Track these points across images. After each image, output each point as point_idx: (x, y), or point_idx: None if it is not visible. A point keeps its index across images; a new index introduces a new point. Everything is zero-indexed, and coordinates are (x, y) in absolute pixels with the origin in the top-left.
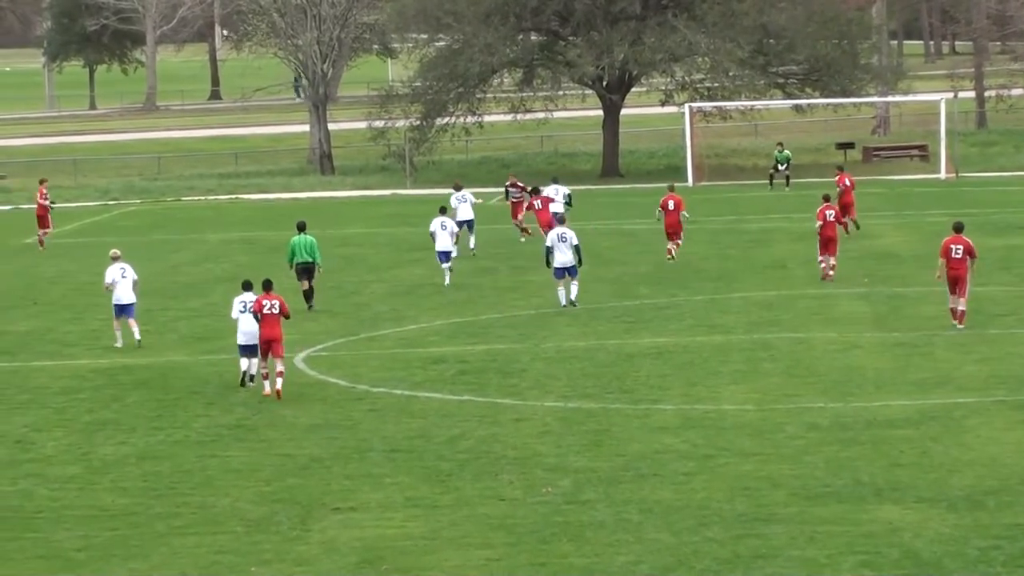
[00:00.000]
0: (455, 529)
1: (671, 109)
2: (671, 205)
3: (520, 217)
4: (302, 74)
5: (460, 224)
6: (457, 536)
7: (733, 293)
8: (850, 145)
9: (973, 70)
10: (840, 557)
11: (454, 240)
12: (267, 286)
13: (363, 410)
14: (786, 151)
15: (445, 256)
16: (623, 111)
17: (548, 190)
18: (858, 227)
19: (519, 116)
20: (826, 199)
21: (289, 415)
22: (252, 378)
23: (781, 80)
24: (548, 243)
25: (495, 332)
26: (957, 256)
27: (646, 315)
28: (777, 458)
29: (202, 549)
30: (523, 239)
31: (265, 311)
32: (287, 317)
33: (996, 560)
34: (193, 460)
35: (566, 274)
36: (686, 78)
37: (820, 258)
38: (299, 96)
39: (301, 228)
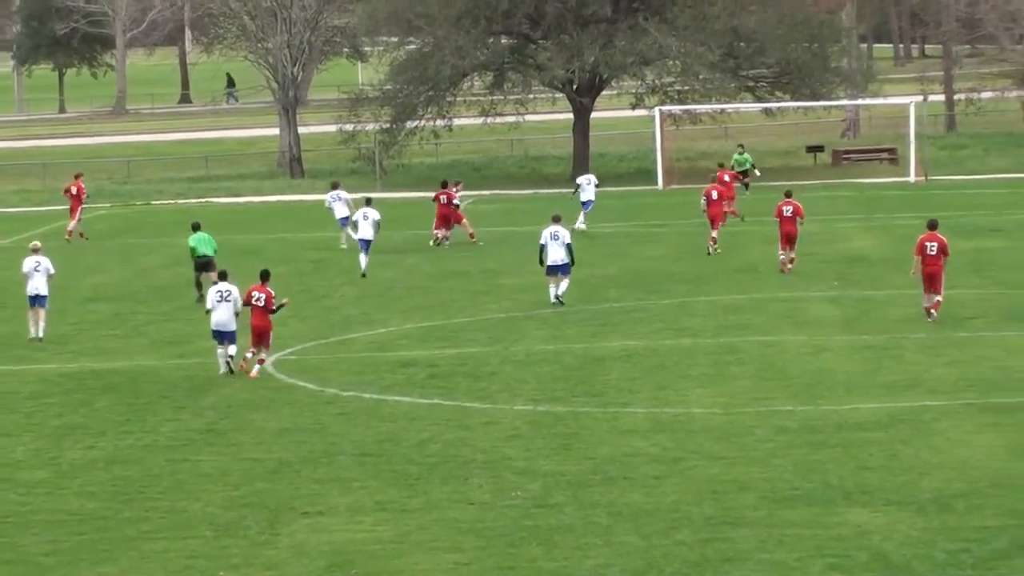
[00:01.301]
0: (424, 533)
1: (641, 112)
2: (715, 195)
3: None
4: (272, 78)
5: (340, 222)
6: (426, 540)
7: (702, 296)
8: (819, 148)
9: (942, 73)
10: (809, 560)
11: (376, 230)
12: (263, 277)
13: (332, 414)
14: (746, 153)
15: (365, 244)
16: (593, 114)
17: (581, 179)
18: (737, 216)
19: (489, 119)
20: (787, 195)
21: (258, 419)
22: (232, 358)
23: (751, 83)
24: (542, 240)
25: (465, 336)
26: (932, 253)
27: (615, 318)
28: (746, 461)
29: (171, 554)
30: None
31: (253, 302)
32: (271, 312)
33: (965, 563)
34: (162, 464)
35: (558, 272)
36: (657, 81)
37: (780, 252)
38: (228, 102)
39: (196, 228)
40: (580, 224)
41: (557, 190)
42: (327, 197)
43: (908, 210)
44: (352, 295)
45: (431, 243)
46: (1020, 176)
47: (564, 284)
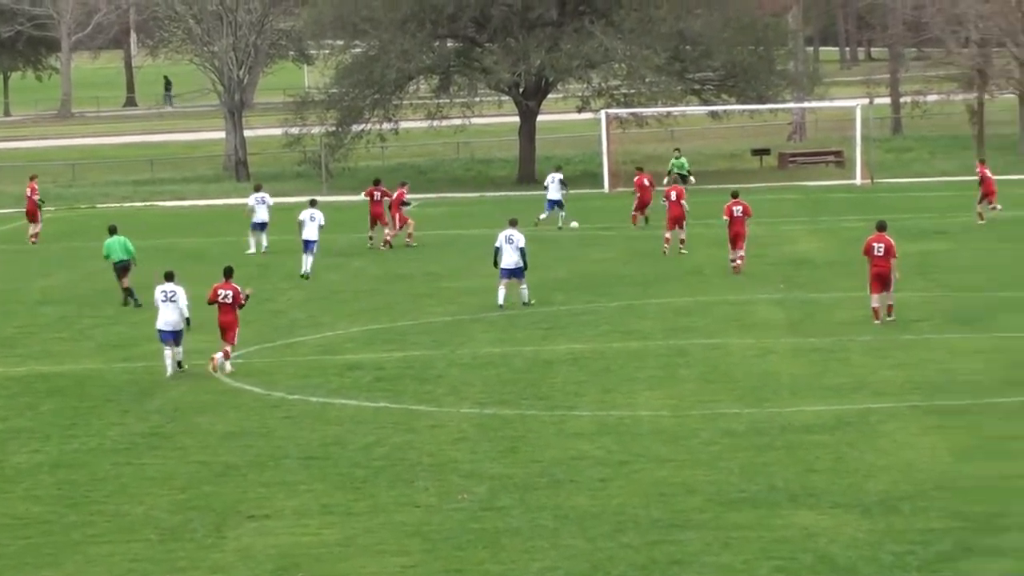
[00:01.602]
0: (370, 536)
1: (588, 115)
2: (674, 196)
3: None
4: (218, 82)
5: (255, 226)
6: (372, 543)
7: (650, 299)
8: (766, 151)
9: (889, 76)
10: (755, 563)
11: (319, 231)
12: (227, 274)
13: (278, 417)
14: (683, 158)
15: (310, 245)
16: (539, 117)
17: (548, 179)
18: (647, 221)
19: (435, 122)
20: (734, 196)
21: (204, 423)
22: (180, 364)
23: (697, 86)
24: (497, 243)
25: (411, 338)
26: (879, 254)
27: (562, 321)
28: (692, 464)
29: (116, 557)
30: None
31: (220, 299)
32: (240, 306)
33: (911, 565)
34: (108, 468)
35: (511, 276)
36: (603, 84)
37: (730, 254)
38: (168, 105)
39: (112, 231)
40: (572, 223)
41: (503, 193)
42: (250, 200)
43: (854, 213)
44: (298, 298)
45: (371, 246)
46: (965, 179)
47: (524, 291)
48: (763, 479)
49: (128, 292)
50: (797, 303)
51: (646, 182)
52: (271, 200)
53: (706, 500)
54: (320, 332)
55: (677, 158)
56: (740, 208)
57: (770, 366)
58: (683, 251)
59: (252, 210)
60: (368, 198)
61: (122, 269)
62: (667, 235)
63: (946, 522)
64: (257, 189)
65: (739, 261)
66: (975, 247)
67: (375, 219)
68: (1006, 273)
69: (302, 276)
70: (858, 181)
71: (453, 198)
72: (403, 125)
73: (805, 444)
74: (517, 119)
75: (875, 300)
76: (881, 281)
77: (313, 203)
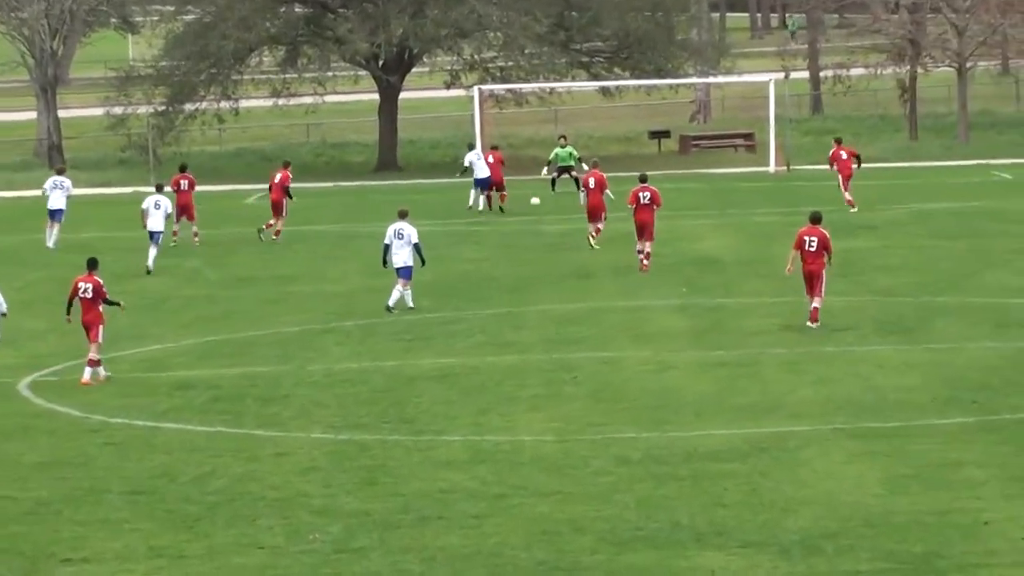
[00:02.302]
0: None
1: (458, 92)
2: (592, 183)
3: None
4: (28, 54)
5: (51, 213)
6: None
7: (530, 306)
8: (665, 134)
9: (806, 47)
10: None
11: (166, 222)
12: (90, 265)
13: (98, 444)
14: (569, 146)
15: (154, 236)
16: (402, 95)
17: (469, 156)
18: (502, 210)
19: (282, 101)
20: (642, 180)
21: (11, 451)
22: None
23: (585, 59)
24: (386, 240)
25: (254, 352)
26: (811, 249)
27: (429, 331)
28: (582, 497)
29: None
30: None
31: (80, 294)
32: (105, 301)
33: None
34: None
35: (400, 275)
36: (475, 56)
37: (638, 246)
38: None
39: None
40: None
41: (361, 182)
42: (46, 184)
43: (767, 204)
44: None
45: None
46: (896, 165)
47: (396, 294)
48: (664, 515)
49: None
50: (701, 310)
51: (490, 159)
52: (70, 186)
53: (597, 539)
54: (146, 345)
55: (563, 147)
56: (648, 195)
57: (671, 383)
58: (595, 246)
59: (46, 196)
60: (175, 190)
61: None
62: (590, 228)
63: (875, 563)
64: (59, 172)
65: (646, 260)
66: (905, 244)
67: (183, 212)
68: (940, 274)
69: (147, 272)
70: (771, 168)
71: (303, 188)
72: (244, 104)
73: (712, 474)
74: (376, 97)
75: (811, 301)
76: (810, 281)
77: (159, 188)
